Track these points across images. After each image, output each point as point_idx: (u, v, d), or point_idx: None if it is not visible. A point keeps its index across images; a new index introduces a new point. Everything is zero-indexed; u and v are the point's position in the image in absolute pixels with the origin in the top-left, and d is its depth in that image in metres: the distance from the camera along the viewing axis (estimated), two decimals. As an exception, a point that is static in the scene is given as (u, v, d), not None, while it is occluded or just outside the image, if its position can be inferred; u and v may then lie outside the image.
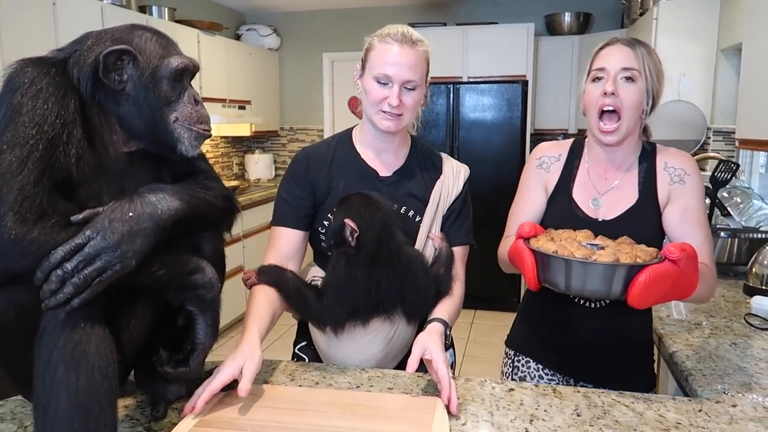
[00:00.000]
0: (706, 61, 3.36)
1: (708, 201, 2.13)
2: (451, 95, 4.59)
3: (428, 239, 1.35)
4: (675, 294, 1.15)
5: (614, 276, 1.08)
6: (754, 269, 1.84)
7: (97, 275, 0.83)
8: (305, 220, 1.37)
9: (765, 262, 1.81)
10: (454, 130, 4.61)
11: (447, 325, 1.24)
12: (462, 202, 1.42)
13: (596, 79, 1.30)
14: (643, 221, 1.33)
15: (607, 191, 1.37)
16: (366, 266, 1.24)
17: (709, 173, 2.20)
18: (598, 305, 1.35)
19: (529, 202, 1.43)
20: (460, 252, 1.40)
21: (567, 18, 4.78)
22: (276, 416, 1.05)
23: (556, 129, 4.91)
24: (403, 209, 1.35)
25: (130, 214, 0.87)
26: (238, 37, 5.36)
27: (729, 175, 2.08)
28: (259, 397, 1.12)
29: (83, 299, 0.82)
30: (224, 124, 4.70)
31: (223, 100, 4.59)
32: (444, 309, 1.28)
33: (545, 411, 1.09)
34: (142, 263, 0.88)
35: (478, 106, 4.56)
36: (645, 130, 1.40)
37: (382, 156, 1.39)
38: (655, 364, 1.55)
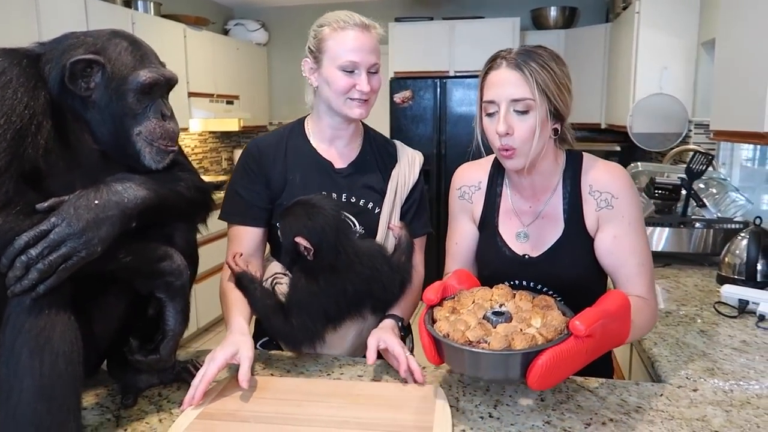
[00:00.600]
0: (688, 54, 3.39)
1: (684, 192, 2.16)
2: (438, 90, 4.60)
3: (388, 229, 1.35)
4: (593, 358, 0.98)
5: (508, 363, 0.94)
6: (726, 259, 1.87)
7: (62, 261, 0.84)
8: (264, 216, 1.34)
9: (737, 252, 1.84)
10: (441, 125, 4.63)
11: (399, 319, 1.28)
12: (420, 192, 1.43)
13: (489, 112, 1.16)
14: (573, 255, 1.23)
15: (532, 221, 1.26)
16: (328, 277, 1.22)
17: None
18: None
19: (461, 236, 1.34)
20: (419, 242, 1.42)
21: (553, 12, 4.80)
22: (279, 407, 1.05)
23: (543, 123, 4.92)
24: (361, 202, 1.35)
25: (96, 201, 0.88)
26: (226, 32, 5.36)
27: (704, 167, 2.11)
28: (258, 388, 1.12)
29: (48, 285, 0.83)
30: (212, 119, 4.70)
31: (210, 95, 4.58)
32: (397, 305, 1.32)
33: (510, 396, 1.11)
34: (110, 250, 0.90)
35: (465, 100, 4.58)
36: (564, 140, 1.25)
37: (336, 147, 1.37)
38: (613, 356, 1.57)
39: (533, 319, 1.01)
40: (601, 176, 1.22)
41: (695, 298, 1.74)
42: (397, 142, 1.46)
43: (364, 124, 1.44)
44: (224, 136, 5.48)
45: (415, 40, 4.73)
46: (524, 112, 1.13)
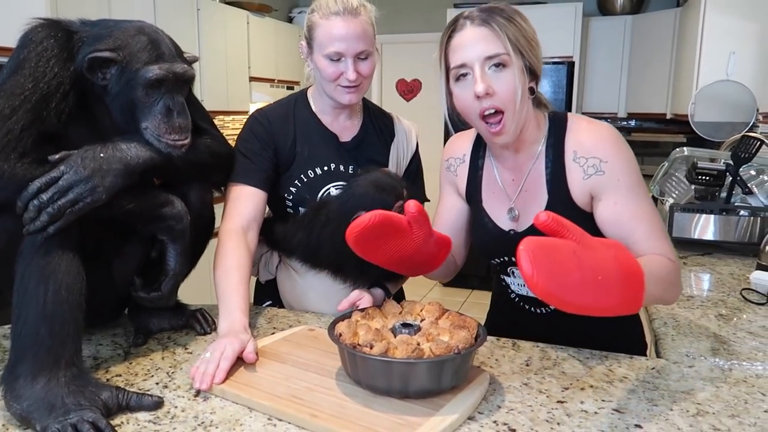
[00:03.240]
0: (758, 38, 3.19)
1: (729, 179, 2.06)
2: (495, 76, 4.55)
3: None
4: (590, 280, 0.77)
5: (383, 370, 0.89)
6: (767, 248, 1.77)
7: (70, 206, 0.93)
8: (268, 181, 1.33)
9: (778, 240, 1.74)
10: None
11: (388, 292, 1.31)
12: (416, 163, 1.45)
13: (460, 77, 1.08)
14: None
15: (517, 194, 1.20)
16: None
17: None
18: (545, 311, 1.27)
19: (444, 207, 1.32)
20: None
21: (620, -3, 4.63)
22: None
23: (605, 112, 4.78)
24: None
25: (102, 155, 0.98)
26: (290, 20, 5.51)
27: (752, 152, 2.00)
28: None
29: (57, 227, 0.93)
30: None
31: (271, 80, 4.74)
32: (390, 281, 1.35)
33: (496, 360, 1.13)
34: (114, 198, 0.99)
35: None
36: (540, 103, 1.21)
37: (340, 121, 1.40)
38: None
39: (442, 335, 0.96)
40: (585, 140, 1.13)
41: (725, 285, 1.67)
42: (393, 115, 1.49)
43: (363, 99, 1.45)
44: (286, 122, 5.64)
45: (473, 26, 4.69)
46: (500, 67, 1.06)
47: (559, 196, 1.15)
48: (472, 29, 1.07)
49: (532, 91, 1.13)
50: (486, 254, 1.25)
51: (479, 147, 1.28)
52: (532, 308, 1.29)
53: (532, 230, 1.11)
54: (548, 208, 1.14)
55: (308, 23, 1.31)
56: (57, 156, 0.97)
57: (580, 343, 1.18)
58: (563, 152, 1.15)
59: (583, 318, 0.84)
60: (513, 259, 1.19)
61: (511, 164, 1.22)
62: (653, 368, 1.10)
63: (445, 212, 1.32)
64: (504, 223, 1.23)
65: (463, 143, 1.30)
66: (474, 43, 1.06)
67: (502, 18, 1.06)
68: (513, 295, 1.32)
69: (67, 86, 1.02)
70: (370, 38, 1.28)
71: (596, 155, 1.12)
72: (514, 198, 1.21)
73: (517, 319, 1.30)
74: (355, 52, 1.26)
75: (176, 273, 1.11)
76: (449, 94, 1.13)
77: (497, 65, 1.06)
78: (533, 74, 1.11)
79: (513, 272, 1.28)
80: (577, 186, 1.14)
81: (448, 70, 1.11)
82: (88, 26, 1.08)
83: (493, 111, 1.08)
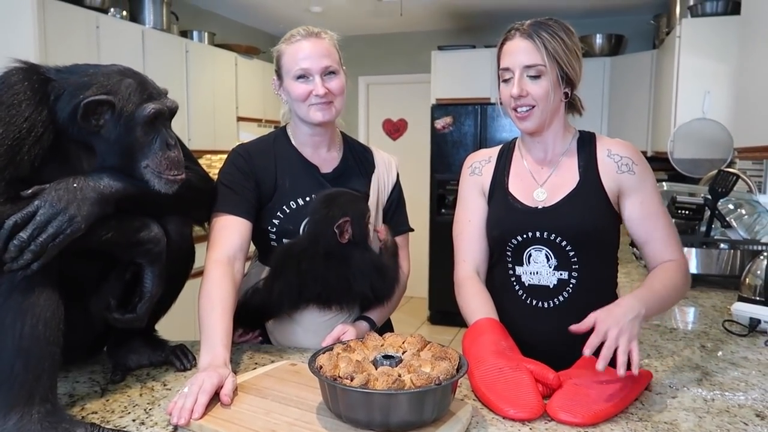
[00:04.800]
0: (730, 78, 3.29)
1: (708, 213, 2.10)
2: (479, 116, 4.65)
3: (375, 232, 1.39)
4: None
5: (364, 402, 0.89)
6: (747, 280, 1.79)
7: (51, 240, 0.92)
8: (252, 211, 1.32)
9: (758, 273, 1.76)
10: (482, 151, 4.64)
11: (373, 324, 1.33)
12: (397, 192, 1.48)
13: (504, 77, 1.27)
14: (587, 204, 1.27)
15: (546, 179, 1.32)
16: (328, 262, 1.29)
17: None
18: (550, 304, 1.30)
19: (473, 212, 1.37)
20: (402, 240, 1.47)
21: (599, 40, 4.77)
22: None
23: (588, 150, 4.86)
24: None
25: (75, 185, 0.97)
26: (278, 62, 5.60)
27: (729, 187, 2.05)
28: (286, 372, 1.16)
29: (40, 264, 0.92)
30: (259, 143, 4.90)
31: (258, 120, 4.80)
32: (375, 309, 1.37)
33: (480, 393, 1.12)
34: (92, 229, 0.98)
35: (506, 127, 4.59)
36: (574, 107, 1.35)
37: (319, 152, 1.42)
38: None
39: (423, 367, 0.95)
40: (617, 144, 1.31)
41: (708, 317, 1.68)
42: (373, 148, 1.52)
43: (342, 133, 1.49)
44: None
45: (456, 67, 4.82)
46: (536, 77, 1.22)
47: (590, 181, 1.29)
48: (518, 40, 1.25)
49: (567, 95, 1.29)
50: (510, 233, 1.31)
51: (506, 151, 1.40)
52: (539, 302, 1.30)
53: (561, 203, 1.28)
54: (579, 185, 1.29)
55: (276, 55, 1.37)
56: (29, 191, 0.95)
57: (580, 338, 1.17)
58: (595, 150, 1.31)
59: (587, 312, 1.08)
60: (537, 234, 1.28)
61: (541, 156, 1.34)
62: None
63: (475, 215, 1.37)
64: (530, 201, 1.31)
65: (487, 151, 1.43)
66: (517, 52, 1.24)
67: (546, 33, 1.23)
68: (520, 291, 1.32)
69: (39, 130, 0.99)
70: (334, 57, 1.34)
71: (629, 156, 1.29)
72: (543, 182, 1.32)
73: (517, 318, 1.29)
74: (320, 68, 1.31)
75: (152, 295, 1.10)
76: (499, 91, 1.30)
77: (533, 75, 1.23)
78: (570, 82, 1.27)
79: (529, 257, 1.30)
80: (610, 177, 1.28)
81: (498, 70, 1.29)
82: (64, 73, 1.06)
83: (525, 109, 1.25)
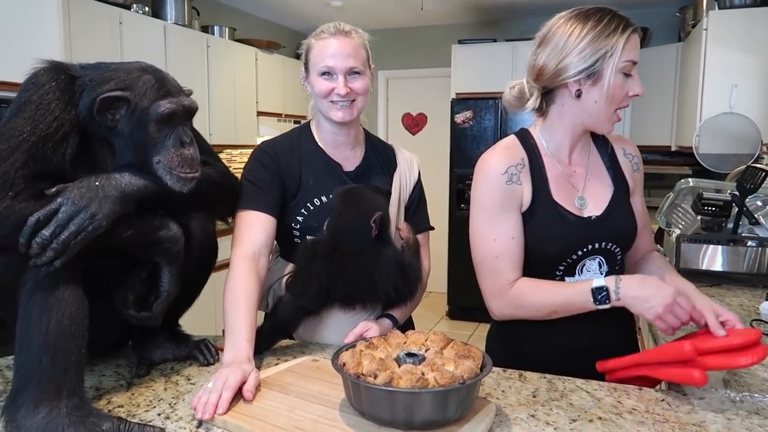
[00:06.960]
0: (760, 71, 3.22)
1: (735, 209, 2.06)
2: (500, 111, 4.60)
3: (396, 230, 1.39)
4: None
5: (387, 400, 0.88)
6: (776, 278, 1.76)
7: (73, 237, 0.93)
8: (277, 206, 1.33)
9: (788, 271, 1.73)
10: (502, 145, 4.61)
11: (396, 321, 1.33)
12: (419, 190, 1.47)
13: (627, 73, 1.17)
14: (627, 207, 1.30)
15: (584, 185, 1.27)
16: (351, 259, 1.27)
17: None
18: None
19: (516, 229, 1.23)
20: (423, 238, 1.46)
21: (622, 33, 4.70)
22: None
23: (610, 145, 4.79)
24: None
25: (96, 183, 0.98)
26: (298, 56, 5.59)
27: (758, 183, 2.00)
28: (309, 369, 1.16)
29: (63, 260, 0.93)
30: (279, 138, 4.92)
31: (278, 115, 4.82)
32: (398, 308, 1.37)
33: (503, 391, 1.11)
34: (113, 227, 0.98)
35: (527, 122, 4.52)
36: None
37: (342, 150, 1.42)
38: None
39: (447, 365, 0.94)
40: (629, 143, 1.37)
41: (735, 316, 1.64)
42: (395, 146, 1.51)
43: (365, 130, 1.49)
44: (293, 155, 5.70)
45: (477, 61, 4.78)
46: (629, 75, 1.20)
47: (620, 181, 1.31)
48: (636, 36, 1.17)
49: None
50: (572, 249, 1.22)
51: (529, 148, 1.26)
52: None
53: (608, 212, 1.26)
54: (616, 191, 1.30)
55: (305, 48, 1.38)
56: (53, 189, 0.96)
57: (618, 340, 1.32)
58: (613, 149, 1.34)
59: (623, 310, 1.14)
60: (596, 246, 1.25)
61: (567, 157, 1.29)
62: (663, 400, 1.08)
63: (518, 232, 1.23)
64: (577, 211, 1.25)
65: (511, 151, 1.25)
66: (636, 45, 1.18)
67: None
68: None
69: (67, 128, 1.02)
70: (361, 58, 1.34)
71: (638, 155, 1.36)
72: (582, 188, 1.28)
73: (558, 322, 1.23)
74: (345, 68, 1.31)
75: (169, 295, 1.10)
76: (608, 82, 1.17)
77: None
78: None
79: (583, 267, 1.26)
80: (629, 176, 1.33)
81: (620, 61, 1.16)
82: (88, 70, 1.08)
83: (627, 106, 1.22)
